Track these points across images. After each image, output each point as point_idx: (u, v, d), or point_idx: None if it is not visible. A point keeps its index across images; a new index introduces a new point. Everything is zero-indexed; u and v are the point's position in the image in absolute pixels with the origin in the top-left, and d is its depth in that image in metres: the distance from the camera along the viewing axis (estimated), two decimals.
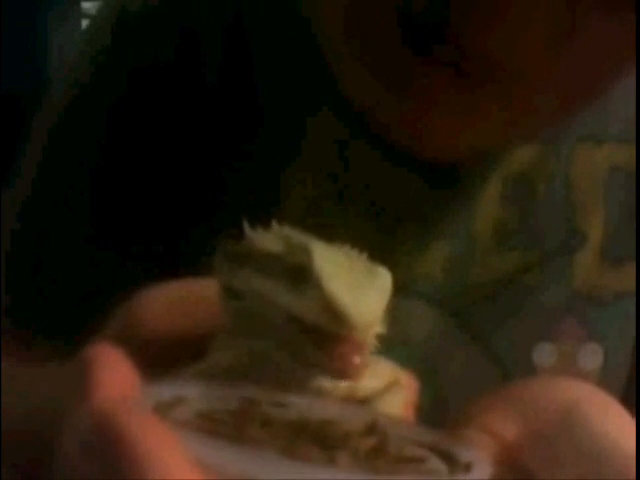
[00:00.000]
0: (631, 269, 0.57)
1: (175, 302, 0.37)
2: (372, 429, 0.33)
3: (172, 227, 0.58)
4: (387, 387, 0.38)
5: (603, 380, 0.56)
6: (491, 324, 0.56)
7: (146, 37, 0.59)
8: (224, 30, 0.58)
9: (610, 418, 0.32)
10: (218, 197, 0.56)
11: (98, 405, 0.26)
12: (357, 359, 0.33)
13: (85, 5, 2.21)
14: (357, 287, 0.32)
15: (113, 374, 0.27)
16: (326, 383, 0.35)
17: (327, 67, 0.55)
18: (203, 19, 0.58)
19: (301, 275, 0.33)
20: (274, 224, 0.35)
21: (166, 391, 0.31)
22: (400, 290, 0.56)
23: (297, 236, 0.34)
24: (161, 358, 0.35)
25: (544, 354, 0.55)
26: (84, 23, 2.16)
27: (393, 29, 0.47)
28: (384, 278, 0.34)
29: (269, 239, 0.34)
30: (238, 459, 0.26)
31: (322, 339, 0.32)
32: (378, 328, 0.33)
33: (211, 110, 0.58)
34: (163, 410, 0.29)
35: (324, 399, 0.36)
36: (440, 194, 0.56)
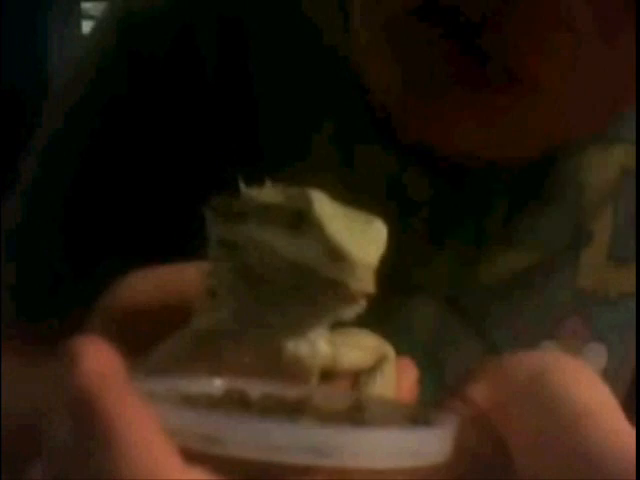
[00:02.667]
0: (635, 270, 0.57)
1: (160, 283, 0.38)
2: (356, 408, 0.34)
3: (167, 224, 0.58)
4: (377, 364, 0.38)
5: (607, 379, 0.56)
6: (496, 322, 0.56)
7: (150, 37, 0.59)
8: (225, 30, 0.58)
9: (576, 379, 0.32)
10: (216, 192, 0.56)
11: (79, 379, 0.27)
12: (356, 302, 0.33)
13: (85, 5, 2.22)
14: (356, 232, 0.33)
15: (97, 356, 0.28)
16: (305, 350, 0.35)
17: (334, 66, 0.56)
18: (206, 19, 0.59)
19: (301, 220, 0.33)
20: (268, 182, 0.35)
21: (159, 384, 0.32)
22: (407, 286, 0.56)
23: (294, 188, 0.35)
24: (148, 334, 0.35)
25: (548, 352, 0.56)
26: (84, 23, 2.17)
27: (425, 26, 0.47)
28: (380, 229, 0.34)
29: (265, 193, 0.35)
30: (204, 422, 0.27)
31: (323, 282, 0.32)
32: (371, 286, 0.33)
33: (210, 107, 0.58)
34: (154, 394, 0.30)
35: (314, 386, 0.36)
36: (449, 193, 0.56)
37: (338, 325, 0.37)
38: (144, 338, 0.35)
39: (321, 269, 0.32)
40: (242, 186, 0.35)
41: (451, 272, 0.56)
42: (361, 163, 0.56)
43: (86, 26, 2.19)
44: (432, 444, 0.30)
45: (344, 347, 0.37)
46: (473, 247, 0.56)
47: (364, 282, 0.32)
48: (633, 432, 0.31)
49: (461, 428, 0.31)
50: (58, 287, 0.59)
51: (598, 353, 0.57)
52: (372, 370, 0.38)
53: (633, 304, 0.57)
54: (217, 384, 0.34)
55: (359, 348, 0.38)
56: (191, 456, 0.27)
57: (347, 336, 0.38)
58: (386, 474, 0.29)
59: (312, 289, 0.33)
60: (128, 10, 0.61)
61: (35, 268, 0.61)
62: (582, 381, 0.33)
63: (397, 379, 0.39)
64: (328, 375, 0.37)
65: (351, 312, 0.35)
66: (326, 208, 0.33)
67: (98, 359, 0.28)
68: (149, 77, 0.59)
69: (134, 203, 0.59)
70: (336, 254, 0.32)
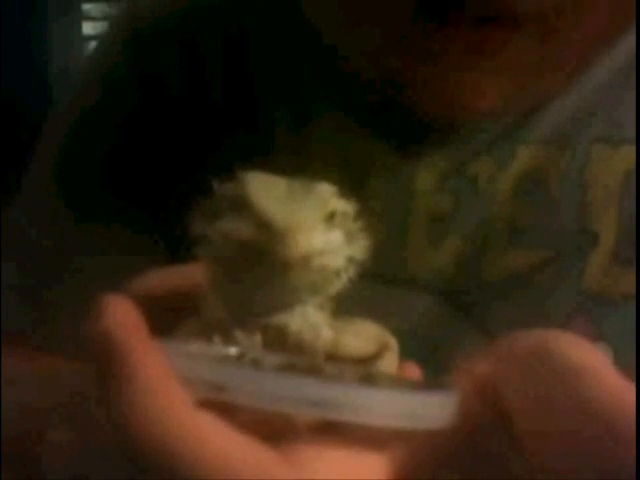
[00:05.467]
0: None
1: (174, 280, 0.40)
2: (366, 378, 0.35)
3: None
4: (378, 352, 0.39)
5: None
6: (501, 322, 0.56)
7: (157, 54, 0.60)
8: (228, 47, 0.59)
9: (575, 347, 0.33)
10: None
11: (104, 327, 0.30)
12: (296, 265, 0.34)
13: (85, 7, 2.22)
14: (290, 202, 0.34)
15: (121, 310, 0.31)
16: (308, 334, 0.36)
17: (329, 60, 0.56)
18: (211, 37, 0.59)
19: (241, 203, 0.34)
20: (238, 172, 0.36)
21: (172, 345, 0.33)
22: (409, 282, 0.56)
23: (245, 173, 0.36)
24: (162, 325, 0.38)
25: None
26: (85, 24, 2.17)
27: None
28: (322, 192, 0.35)
29: (229, 186, 0.36)
30: (214, 371, 0.29)
31: (258, 254, 0.34)
32: (301, 249, 0.34)
33: (217, 123, 0.59)
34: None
35: (324, 363, 0.37)
36: (451, 189, 0.56)
37: (341, 313, 0.38)
38: (158, 329, 0.37)
39: (253, 241, 0.34)
40: (215, 184, 0.36)
41: (451, 268, 0.56)
42: (360, 161, 0.57)
43: (87, 27, 2.19)
44: (433, 408, 0.31)
45: (346, 334, 0.38)
46: (474, 243, 0.56)
47: (293, 246, 0.33)
48: (632, 387, 0.31)
49: (463, 397, 0.32)
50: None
51: (604, 353, 0.57)
52: (374, 359, 0.39)
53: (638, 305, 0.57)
54: (233, 350, 0.35)
55: (362, 336, 0.39)
56: (201, 403, 0.29)
57: (350, 324, 0.39)
58: (386, 434, 0.30)
59: (254, 264, 0.34)
60: (134, 26, 0.61)
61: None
62: (581, 348, 0.33)
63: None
64: (330, 361, 0.37)
65: (332, 287, 0.36)
66: (259, 186, 0.35)
67: (122, 312, 0.30)
68: (157, 94, 0.60)
69: (143, 212, 0.60)
70: (263, 225, 0.33)
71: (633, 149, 0.56)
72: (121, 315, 0.30)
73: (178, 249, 0.39)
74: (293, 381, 0.29)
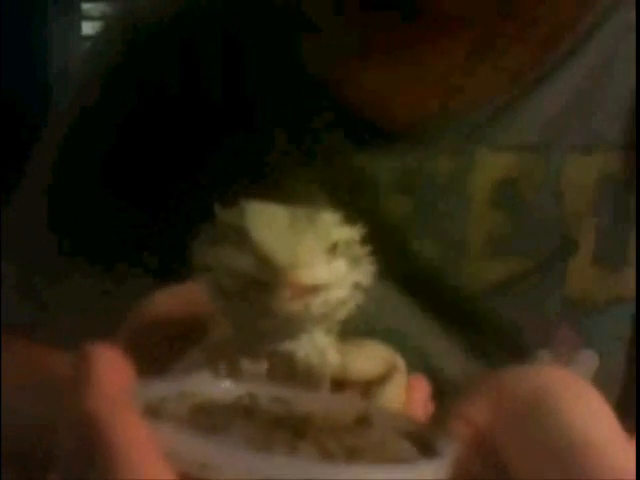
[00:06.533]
0: (623, 275, 0.57)
1: (181, 300, 0.40)
2: (362, 421, 0.34)
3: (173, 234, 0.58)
4: (387, 374, 0.39)
5: (599, 385, 0.57)
6: (486, 332, 0.56)
7: (155, 54, 0.60)
8: (227, 47, 0.59)
9: (581, 405, 0.32)
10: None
11: (89, 404, 0.29)
12: (297, 299, 0.33)
13: (85, 6, 2.22)
14: (291, 235, 0.33)
15: (108, 373, 0.30)
16: (315, 359, 0.36)
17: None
18: (209, 36, 0.60)
19: (240, 235, 0.34)
20: (241, 201, 0.36)
21: (171, 387, 0.33)
22: (390, 287, 0.56)
23: (246, 203, 0.36)
24: (170, 346, 0.37)
25: (540, 361, 0.56)
26: (85, 24, 2.17)
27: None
28: (324, 222, 0.35)
29: (229, 213, 0.36)
30: (201, 448, 0.28)
31: (261, 287, 0.33)
32: (301, 283, 0.33)
33: (216, 123, 0.59)
34: (160, 405, 0.32)
35: (325, 393, 0.37)
36: (423, 193, 0.56)
37: (347, 334, 0.37)
38: (166, 350, 0.37)
39: (254, 276, 0.33)
40: (217, 209, 0.36)
41: (433, 274, 0.56)
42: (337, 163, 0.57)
43: (86, 27, 2.19)
44: (427, 477, 0.30)
45: (354, 357, 0.38)
46: (456, 251, 0.56)
47: (294, 283, 0.32)
48: (632, 470, 0.30)
49: (463, 453, 0.31)
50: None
51: (590, 359, 0.57)
52: (382, 380, 0.38)
53: (621, 309, 0.57)
54: (229, 386, 0.35)
55: (369, 358, 0.38)
56: (188, 479, 0.28)
57: (357, 346, 0.38)
58: None
59: (256, 297, 0.34)
60: (132, 26, 0.62)
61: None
62: (584, 406, 0.32)
63: (410, 396, 0.40)
64: (339, 384, 0.38)
65: (339, 315, 0.36)
66: (259, 218, 0.34)
67: (107, 376, 0.29)
68: (156, 95, 0.60)
69: (143, 212, 0.60)
70: (263, 260, 0.33)
71: (605, 155, 0.56)
72: (106, 380, 0.29)
73: (176, 260, 0.38)
74: (281, 462, 0.29)
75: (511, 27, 0.53)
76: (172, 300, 0.40)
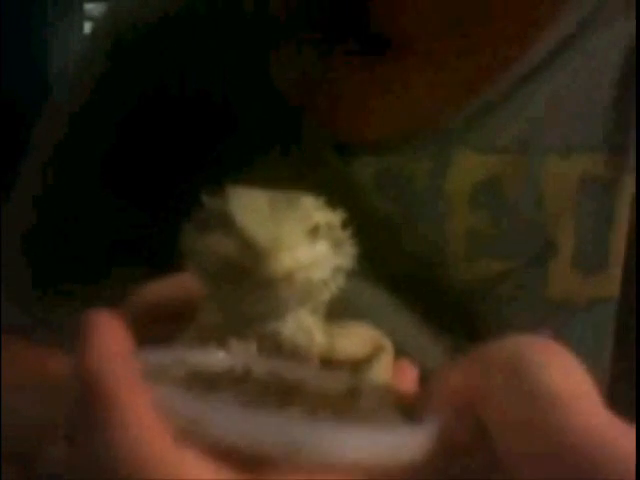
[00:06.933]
0: (604, 276, 0.58)
1: (170, 289, 0.41)
2: (352, 391, 0.35)
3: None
4: (373, 353, 0.40)
5: None
6: (467, 332, 0.56)
7: (155, 54, 0.61)
8: (205, 52, 0.60)
9: (553, 365, 0.33)
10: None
11: (87, 361, 0.30)
12: (280, 281, 0.34)
13: (87, 6, 2.22)
14: (272, 220, 0.34)
15: (106, 335, 0.31)
16: (302, 339, 0.37)
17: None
18: (189, 47, 0.60)
19: (225, 220, 0.35)
20: (227, 186, 0.37)
21: (168, 355, 0.35)
22: (371, 287, 0.57)
23: (230, 189, 0.37)
24: (162, 333, 0.39)
25: None
26: (87, 24, 2.17)
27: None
28: (305, 205, 0.36)
29: (216, 201, 0.37)
30: (193, 406, 0.30)
31: (241, 272, 0.34)
32: (283, 267, 0.34)
33: (215, 122, 0.59)
34: (158, 370, 0.33)
35: (317, 368, 0.38)
36: (403, 194, 0.57)
37: (335, 317, 0.38)
38: (157, 334, 0.38)
39: (237, 260, 0.34)
40: (204, 197, 0.37)
41: (415, 280, 0.56)
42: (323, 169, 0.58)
43: (88, 27, 2.19)
44: (411, 444, 0.31)
45: (340, 337, 0.39)
46: (436, 251, 0.56)
47: (276, 264, 0.33)
48: (606, 415, 0.32)
49: (447, 421, 0.33)
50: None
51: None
52: (368, 360, 0.40)
53: (602, 310, 0.58)
54: (223, 357, 0.36)
55: (356, 339, 0.40)
56: (182, 436, 0.30)
57: (344, 327, 0.40)
58: (364, 469, 0.30)
59: (240, 280, 0.35)
60: (122, 26, 0.62)
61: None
62: (556, 365, 0.33)
63: (398, 377, 0.41)
64: (326, 364, 0.39)
65: (321, 296, 0.37)
66: (242, 203, 0.35)
67: (107, 339, 0.31)
68: (156, 95, 0.60)
69: (142, 211, 0.60)
70: (246, 243, 0.34)
71: (586, 157, 0.57)
72: (107, 343, 0.31)
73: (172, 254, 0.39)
74: (268, 419, 0.30)
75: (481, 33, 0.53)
76: (164, 288, 0.41)
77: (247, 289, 0.35)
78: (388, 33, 0.48)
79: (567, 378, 0.33)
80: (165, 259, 0.41)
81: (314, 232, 0.35)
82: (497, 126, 0.57)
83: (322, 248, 0.36)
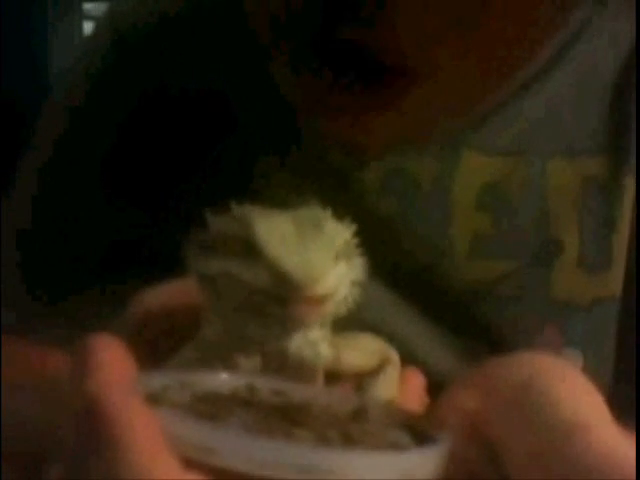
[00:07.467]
0: (607, 275, 0.58)
1: (171, 297, 0.40)
2: (358, 412, 0.35)
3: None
4: (380, 366, 0.39)
5: None
6: (472, 333, 0.57)
7: (140, 62, 0.61)
8: (206, 53, 0.60)
9: (567, 388, 0.32)
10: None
11: (89, 386, 0.29)
12: (312, 311, 0.34)
13: (86, 6, 2.22)
14: (301, 247, 0.34)
15: (109, 360, 0.30)
16: (308, 352, 0.37)
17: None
18: (189, 47, 0.61)
19: (250, 248, 0.34)
20: (233, 206, 0.37)
21: (172, 377, 0.34)
22: (376, 288, 0.57)
23: (246, 212, 0.36)
24: (163, 343, 0.38)
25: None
26: (86, 24, 2.17)
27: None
28: (330, 231, 0.35)
29: (226, 221, 0.36)
30: (202, 432, 0.29)
31: (277, 302, 0.34)
32: (316, 297, 0.34)
33: (214, 123, 0.60)
34: (162, 393, 0.33)
35: (324, 387, 0.38)
36: (408, 195, 0.57)
37: (340, 327, 0.38)
38: (159, 347, 0.38)
39: (269, 291, 0.34)
40: (209, 217, 0.37)
41: (420, 280, 0.57)
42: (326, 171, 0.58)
43: (87, 27, 2.20)
44: (423, 466, 0.31)
45: (347, 349, 0.38)
46: (441, 256, 0.57)
47: (311, 295, 0.33)
48: (626, 442, 0.31)
49: (457, 442, 0.32)
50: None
51: (574, 359, 0.58)
52: (375, 373, 0.39)
53: (606, 309, 0.58)
54: (227, 378, 0.36)
55: (362, 351, 0.39)
56: (189, 463, 0.29)
57: (350, 339, 0.39)
58: None
59: (265, 307, 0.34)
60: (117, 32, 0.62)
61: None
62: (570, 388, 0.33)
63: (405, 388, 0.40)
64: (332, 377, 0.38)
65: (342, 310, 0.36)
66: (269, 231, 0.35)
67: (109, 364, 0.30)
68: (156, 95, 0.61)
69: (142, 212, 0.61)
70: (278, 275, 0.33)
71: (588, 160, 0.57)
72: (109, 367, 0.30)
73: (174, 255, 0.39)
74: (279, 446, 0.29)
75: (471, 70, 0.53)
76: (165, 294, 0.41)
77: (274, 319, 0.35)
78: (388, 62, 0.48)
79: (584, 404, 0.32)
80: (165, 260, 0.42)
81: (337, 256, 0.35)
82: (501, 128, 0.57)
83: (342, 268, 0.36)
